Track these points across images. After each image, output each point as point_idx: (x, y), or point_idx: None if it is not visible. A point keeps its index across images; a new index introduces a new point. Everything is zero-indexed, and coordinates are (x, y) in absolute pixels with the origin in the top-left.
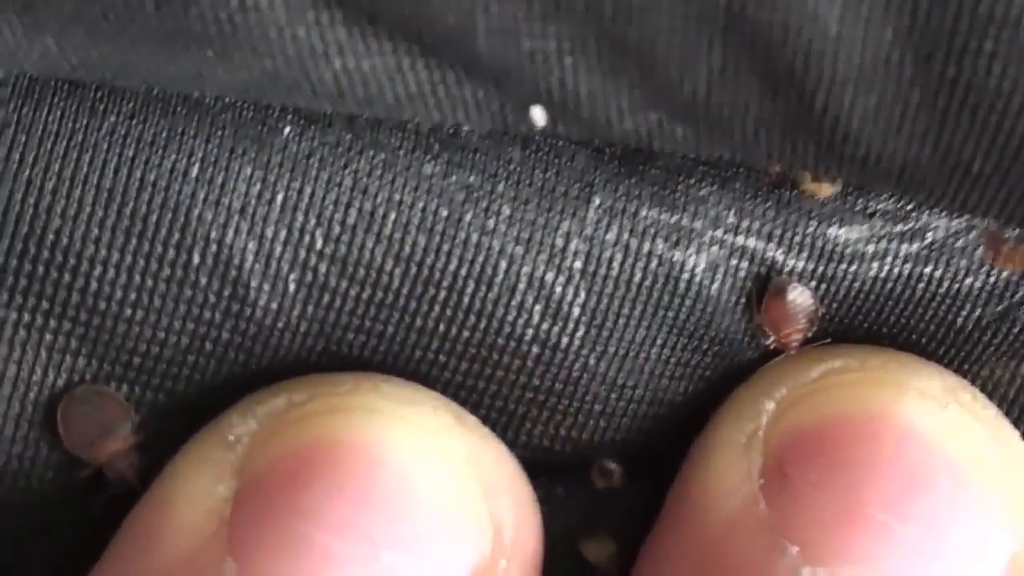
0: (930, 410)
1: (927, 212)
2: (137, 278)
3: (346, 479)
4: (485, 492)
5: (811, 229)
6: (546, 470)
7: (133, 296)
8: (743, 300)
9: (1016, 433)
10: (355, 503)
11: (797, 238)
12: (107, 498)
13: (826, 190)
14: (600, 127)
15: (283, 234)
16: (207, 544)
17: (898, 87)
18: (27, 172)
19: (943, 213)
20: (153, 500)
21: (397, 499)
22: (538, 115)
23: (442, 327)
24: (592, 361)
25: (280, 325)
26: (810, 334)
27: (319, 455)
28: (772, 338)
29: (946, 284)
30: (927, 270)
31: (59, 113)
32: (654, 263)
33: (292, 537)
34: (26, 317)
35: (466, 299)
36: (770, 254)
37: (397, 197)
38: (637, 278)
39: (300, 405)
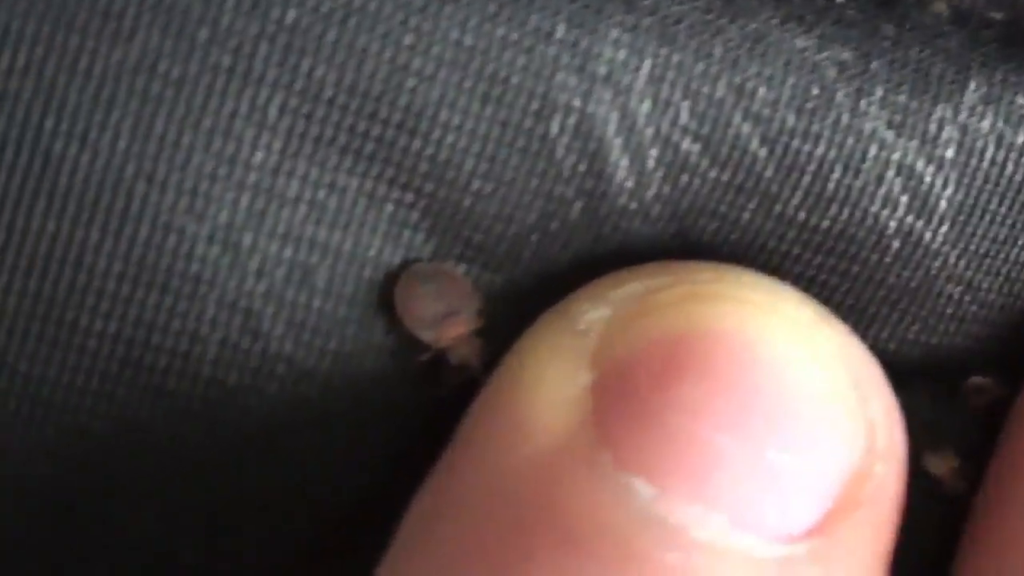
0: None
1: None
2: (491, 147)
3: (721, 371)
4: (857, 391)
5: None
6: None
7: (485, 167)
8: None
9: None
10: (733, 397)
11: None
12: (447, 386)
13: None
14: None
15: (647, 106)
16: (575, 435)
17: None
18: (384, 25)
19: None
20: (504, 389)
21: (776, 394)
22: None
23: (802, 215)
24: (952, 259)
25: (633, 206)
26: None
27: (688, 345)
28: None
29: None
30: None
31: None
32: None
33: (670, 430)
34: (368, 185)
35: (831, 186)
36: None
37: (768, 72)
38: (1008, 171)
39: (658, 291)
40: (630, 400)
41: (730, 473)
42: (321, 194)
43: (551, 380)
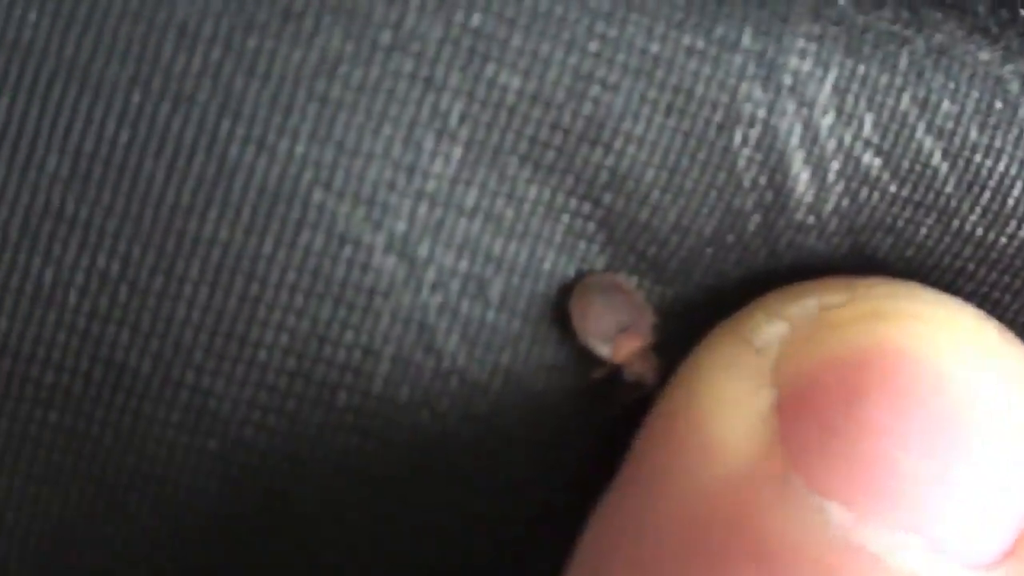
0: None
1: None
2: (672, 158)
3: (910, 392)
4: None
5: None
6: None
7: (665, 178)
8: None
9: None
10: (924, 418)
11: None
12: (620, 403)
13: None
14: None
15: (830, 118)
16: (764, 457)
17: None
18: (569, 31)
19: None
20: (682, 407)
21: (968, 416)
22: None
23: (980, 231)
24: None
25: (811, 220)
26: None
27: (873, 364)
28: None
29: None
30: None
31: None
32: None
33: (861, 452)
34: (546, 195)
35: (1011, 202)
36: None
37: (952, 85)
38: None
39: (835, 308)
40: (817, 421)
41: (926, 498)
42: (499, 204)
43: (732, 399)
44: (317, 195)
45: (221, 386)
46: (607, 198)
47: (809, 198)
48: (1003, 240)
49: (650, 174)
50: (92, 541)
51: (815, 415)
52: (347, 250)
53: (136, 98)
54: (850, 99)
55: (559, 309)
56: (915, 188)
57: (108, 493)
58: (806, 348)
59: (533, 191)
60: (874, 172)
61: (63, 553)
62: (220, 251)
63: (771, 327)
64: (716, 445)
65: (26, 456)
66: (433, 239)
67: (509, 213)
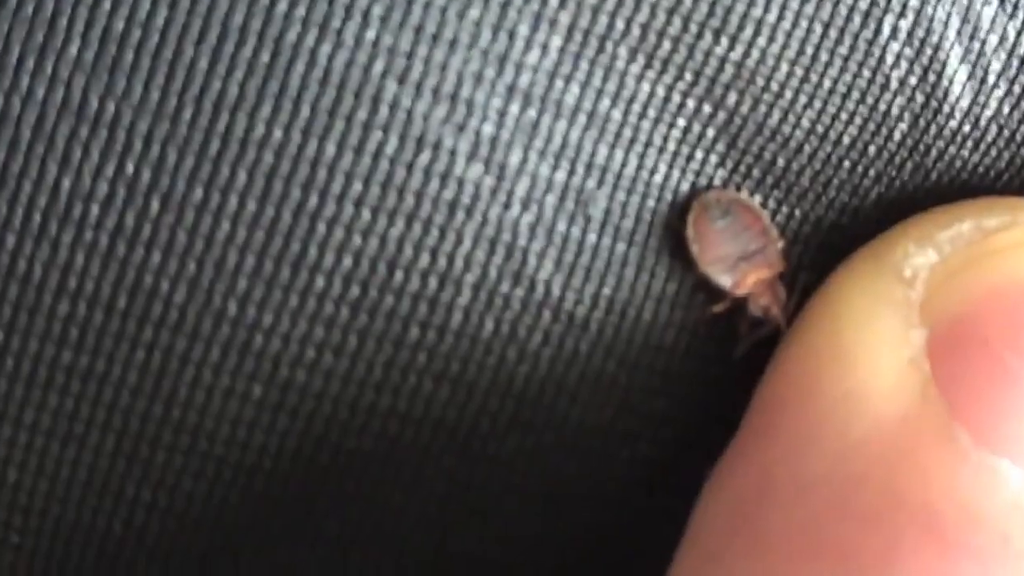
0: None
1: None
2: (808, 51)
3: None
4: None
5: None
6: None
7: (799, 75)
8: None
9: None
10: None
11: None
12: (744, 342)
13: None
14: None
15: (993, 7)
16: (920, 407)
17: None
18: None
19: None
20: (818, 349)
21: None
22: None
23: None
24: None
25: (966, 128)
26: None
27: None
28: None
29: None
30: None
31: None
32: None
33: None
34: (660, 93)
35: None
36: None
37: None
38: None
39: (996, 232)
40: (978, 364)
41: None
42: (604, 104)
43: (879, 339)
44: (389, 89)
45: (269, 319)
46: (730, 98)
47: (965, 102)
48: None
49: (782, 70)
50: (109, 505)
51: (974, 357)
52: (424, 156)
53: None
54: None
55: (672, 230)
56: None
57: (131, 447)
58: (962, 278)
59: (645, 89)
60: None
61: (75, 518)
62: (272, 155)
63: (921, 254)
64: (862, 394)
65: (33, 403)
66: (526, 145)
67: (615, 115)
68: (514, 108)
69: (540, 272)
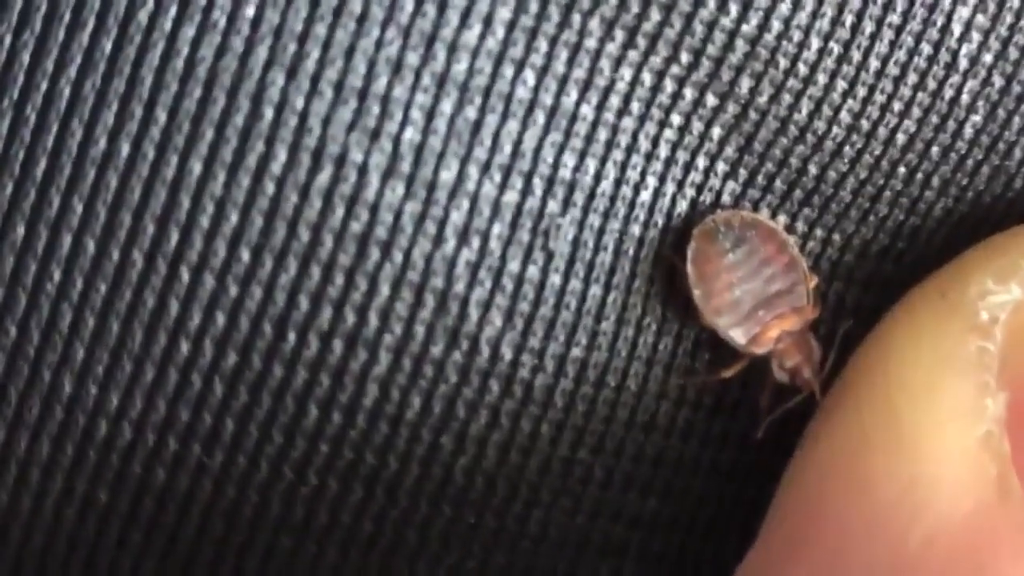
0: None
1: None
2: (848, 19)
3: None
4: None
5: None
6: None
7: (835, 50)
8: None
9: None
10: None
11: None
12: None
13: None
14: None
15: None
16: (994, 498)
17: None
18: None
19: None
20: (864, 428)
21: None
22: None
23: None
24: None
25: None
26: None
27: None
28: None
29: None
30: None
31: None
32: None
33: None
34: (646, 80)
35: None
36: None
37: None
38: None
39: None
40: None
41: None
42: (570, 97)
43: (945, 412)
44: (275, 84)
45: (115, 399)
46: (743, 85)
47: None
48: None
49: (813, 46)
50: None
51: None
52: (324, 174)
53: None
54: None
55: (666, 267)
56: None
57: None
58: None
59: (625, 75)
60: None
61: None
62: (116, 177)
63: (1001, 291)
64: (925, 487)
65: None
66: (462, 155)
67: (586, 111)
68: (446, 106)
69: (485, 329)
